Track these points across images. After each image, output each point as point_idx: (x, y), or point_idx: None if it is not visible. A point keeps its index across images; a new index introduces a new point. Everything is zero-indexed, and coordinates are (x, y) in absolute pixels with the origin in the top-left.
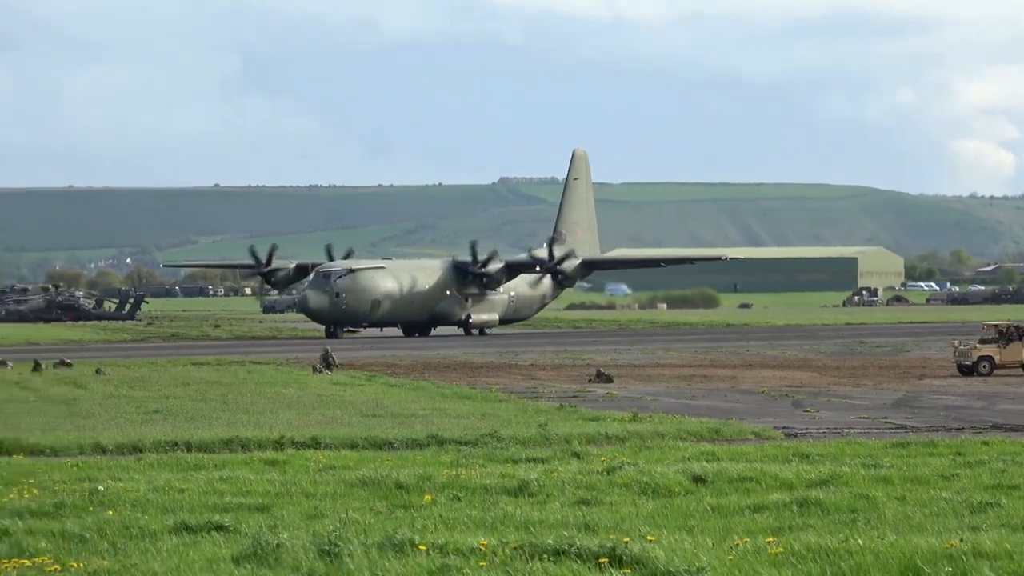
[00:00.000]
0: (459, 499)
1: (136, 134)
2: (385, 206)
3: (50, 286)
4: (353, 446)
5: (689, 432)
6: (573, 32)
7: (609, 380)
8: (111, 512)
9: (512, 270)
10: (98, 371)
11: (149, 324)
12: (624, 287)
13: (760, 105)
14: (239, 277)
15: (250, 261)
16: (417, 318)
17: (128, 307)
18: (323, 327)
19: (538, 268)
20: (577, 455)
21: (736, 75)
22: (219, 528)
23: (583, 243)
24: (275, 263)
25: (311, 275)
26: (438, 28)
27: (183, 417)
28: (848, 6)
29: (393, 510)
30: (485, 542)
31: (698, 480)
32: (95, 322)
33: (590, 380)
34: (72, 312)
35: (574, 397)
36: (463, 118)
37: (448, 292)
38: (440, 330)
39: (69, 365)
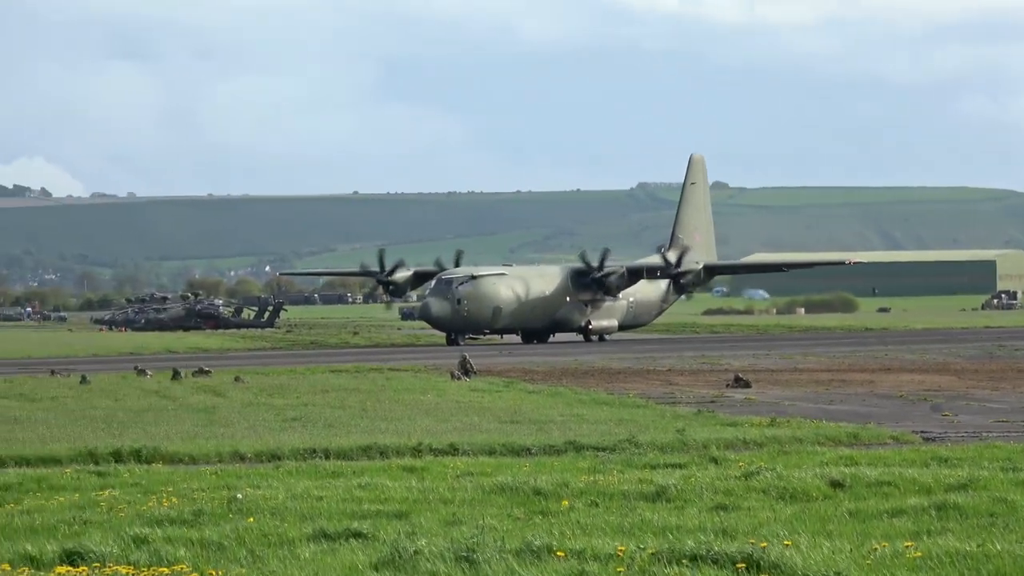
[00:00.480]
0: (597, 505)
1: (275, 142)
2: (523, 212)
3: (190, 294)
4: (491, 452)
5: (827, 437)
6: (712, 36)
7: (747, 385)
8: (250, 520)
9: (632, 276)
10: (237, 379)
11: (288, 332)
12: (762, 292)
13: (900, 108)
14: (358, 285)
15: (373, 268)
16: (537, 325)
17: (267, 315)
18: (444, 334)
19: (659, 273)
20: (715, 460)
21: (876, 78)
22: (357, 535)
23: (701, 248)
24: (393, 269)
25: (432, 282)
26: (576, 33)
27: (322, 424)
28: (990, 7)
29: (531, 516)
30: (623, 548)
31: (836, 485)
32: (234, 330)
33: (728, 385)
34: (211, 320)
35: (712, 402)
36: (601, 123)
37: (568, 298)
38: (558, 337)
39: (208, 373)
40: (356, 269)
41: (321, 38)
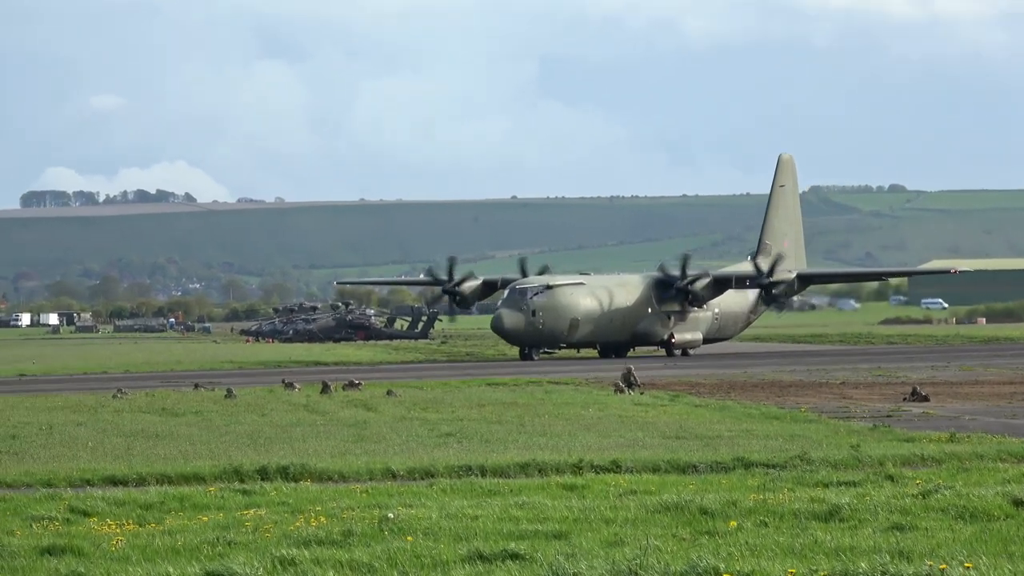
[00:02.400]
0: (766, 525)
1: (429, 145)
2: (690, 217)
3: (340, 304)
4: (655, 470)
5: (1010, 453)
6: (884, 33)
7: (925, 399)
8: (403, 540)
9: (720, 285)
10: (389, 392)
11: (443, 343)
12: (940, 300)
13: None
14: (424, 297)
15: (442, 276)
16: (616, 338)
17: (421, 325)
18: (517, 348)
19: (748, 283)
20: (891, 478)
21: None
22: (514, 557)
23: (790, 255)
24: (464, 283)
25: (505, 292)
26: (743, 30)
27: (477, 440)
28: None
29: (697, 536)
30: (794, 570)
31: (1019, 504)
32: (386, 341)
33: (905, 399)
34: (363, 331)
35: (888, 416)
36: (771, 123)
37: (649, 310)
38: (638, 351)
39: (359, 386)
40: (420, 278)
41: (476, 36)
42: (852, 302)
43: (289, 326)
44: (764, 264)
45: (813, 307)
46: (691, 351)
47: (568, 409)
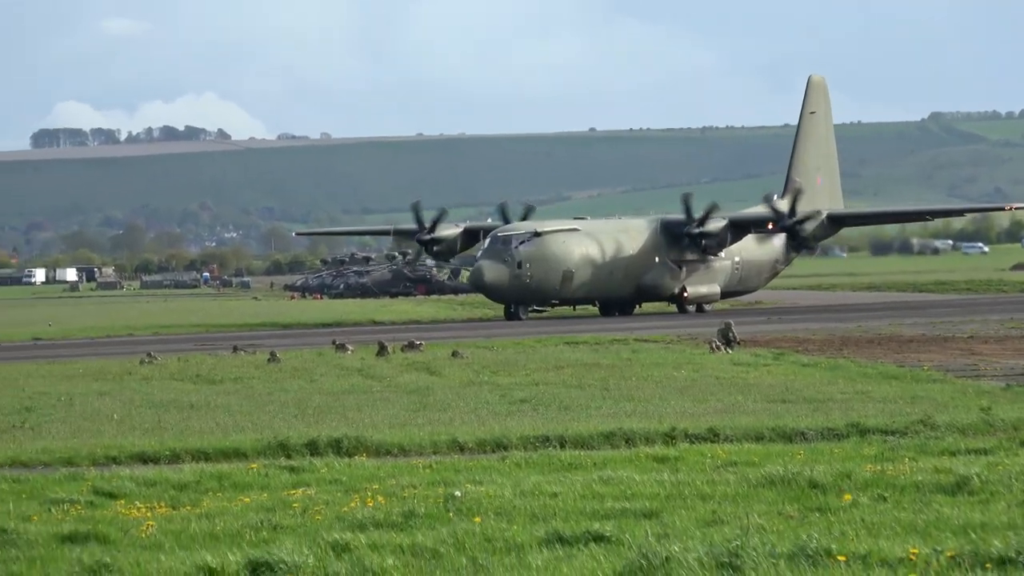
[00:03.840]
0: (885, 499)
1: (493, 71)
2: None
3: (397, 254)
4: (758, 438)
5: None
6: None
7: None
8: (472, 521)
9: (738, 229)
10: (454, 354)
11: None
12: None
13: None
14: (396, 245)
15: (411, 226)
16: (618, 292)
17: None
18: (501, 306)
19: (771, 225)
20: None
21: None
22: (598, 538)
23: (822, 193)
24: (438, 228)
25: (486, 241)
26: None
27: (555, 407)
28: None
29: (806, 514)
30: (916, 550)
31: None
32: (450, 296)
33: None
34: (423, 284)
35: (1023, 375)
36: (882, 44)
37: (657, 259)
38: (646, 307)
39: (420, 347)
40: (389, 227)
41: None
42: (980, 245)
43: (339, 279)
44: (785, 204)
45: (936, 251)
46: (707, 306)
47: (658, 370)
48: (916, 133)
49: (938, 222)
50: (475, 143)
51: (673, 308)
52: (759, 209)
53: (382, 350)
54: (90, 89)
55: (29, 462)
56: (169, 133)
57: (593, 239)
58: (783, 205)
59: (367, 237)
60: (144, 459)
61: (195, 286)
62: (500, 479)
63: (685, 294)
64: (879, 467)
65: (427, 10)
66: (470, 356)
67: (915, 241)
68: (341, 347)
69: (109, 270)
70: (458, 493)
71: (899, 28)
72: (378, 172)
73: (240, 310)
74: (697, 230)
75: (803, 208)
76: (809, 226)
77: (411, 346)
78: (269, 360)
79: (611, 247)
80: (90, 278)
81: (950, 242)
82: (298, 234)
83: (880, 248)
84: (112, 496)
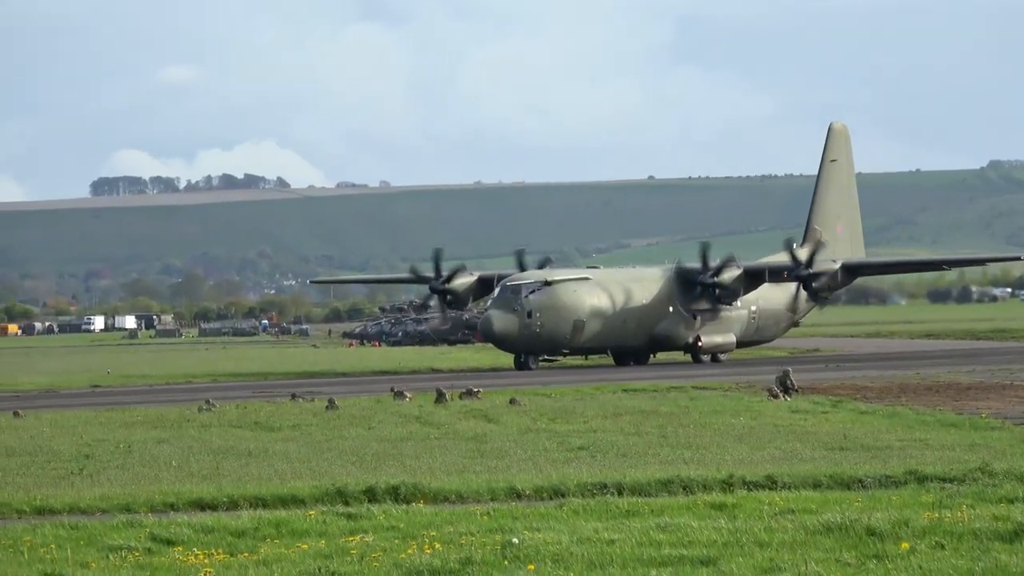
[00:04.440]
0: (943, 547)
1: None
2: None
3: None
4: (816, 485)
5: None
6: None
7: None
8: (529, 568)
9: (752, 278)
10: (512, 401)
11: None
12: None
13: None
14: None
15: (427, 273)
16: (631, 342)
17: None
18: (512, 356)
19: (785, 275)
20: None
21: None
22: None
23: (843, 242)
24: (455, 279)
25: (496, 290)
26: None
27: (613, 454)
28: None
29: (863, 561)
30: None
31: None
32: None
33: None
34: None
35: None
36: (942, 91)
37: (671, 308)
38: (661, 356)
39: (478, 395)
40: (403, 276)
41: None
42: None
43: (398, 327)
44: (803, 253)
45: (995, 299)
46: (723, 356)
47: (716, 418)
48: (975, 181)
49: (996, 269)
50: (533, 191)
51: (688, 358)
52: (778, 258)
53: (440, 397)
54: (148, 137)
55: (87, 509)
56: (228, 181)
57: (605, 288)
58: (802, 254)
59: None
60: (202, 506)
61: (254, 334)
62: (557, 526)
63: (699, 343)
64: (937, 514)
65: (485, 59)
66: (528, 403)
67: (974, 289)
68: (399, 394)
69: (168, 318)
70: (516, 540)
71: (958, 76)
72: (436, 220)
73: (299, 358)
74: (711, 279)
75: (821, 257)
76: (823, 275)
77: (469, 393)
78: (327, 407)
79: (623, 296)
80: (149, 326)
81: (1009, 290)
82: (312, 282)
83: (938, 296)
84: (170, 543)
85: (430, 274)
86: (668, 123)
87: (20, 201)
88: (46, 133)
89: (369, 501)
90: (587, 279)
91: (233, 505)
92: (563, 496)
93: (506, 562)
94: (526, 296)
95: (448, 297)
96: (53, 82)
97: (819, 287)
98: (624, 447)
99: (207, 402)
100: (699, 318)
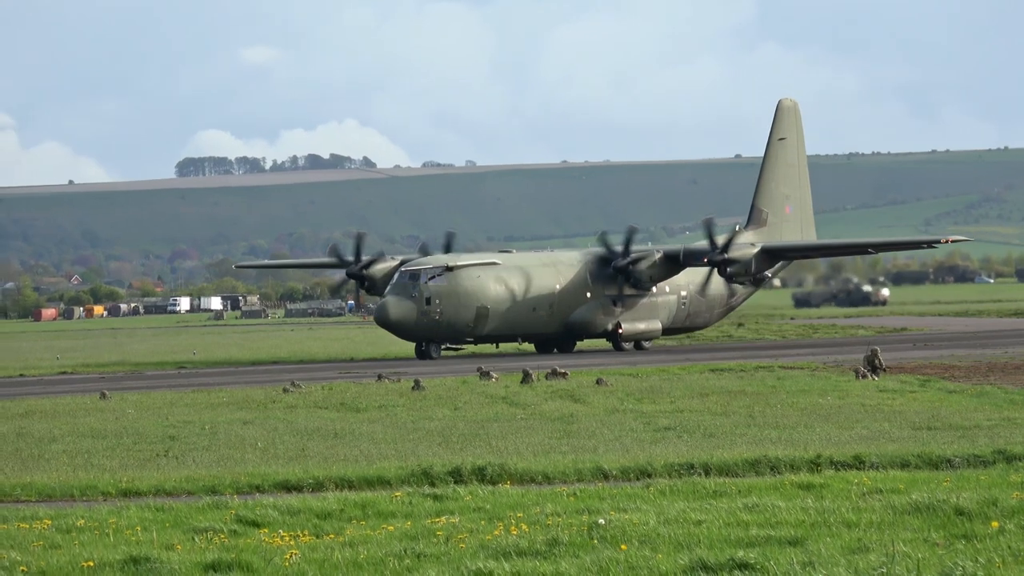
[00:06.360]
0: None
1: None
2: (940, 176)
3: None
4: (904, 465)
5: None
6: None
7: None
8: (622, 548)
9: (673, 263)
10: (599, 381)
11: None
12: None
13: None
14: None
15: (331, 259)
16: (543, 330)
17: None
18: (413, 344)
19: (705, 260)
20: None
21: None
22: (743, 566)
23: (792, 223)
24: (371, 261)
25: (395, 276)
26: None
27: (700, 434)
28: None
29: (952, 541)
30: None
31: None
32: None
33: None
34: None
35: None
36: None
37: (589, 294)
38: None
39: (564, 375)
40: (319, 260)
41: None
42: None
43: None
44: (722, 238)
45: None
46: (647, 343)
47: (803, 398)
48: None
49: None
50: (619, 170)
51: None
52: (701, 242)
53: (526, 377)
54: (231, 117)
55: (173, 491)
56: (314, 162)
57: (513, 273)
58: (720, 239)
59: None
60: (288, 487)
61: (340, 314)
62: (644, 507)
63: (620, 331)
64: None
65: (570, 37)
66: (614, 384)
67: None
68: (486, 375)
69: (254, 298)
70: (602, 521)
71: None
72: (522, 199)
73: (384, 338)
74: (625, 264)
75: (740, 241)
76: (740, 260)
77: (556, 373)
78: (413, 388)
79: (534, 282)
80: (235, 306)
81: None
82: (238, 267)
83: None
84: (256, 524)
85: (350, 257)
86: (754, 101)
87: (105, 182)
88: (130, 114)
89: (455, 482)
90: (494, 263)
91: (319, 487)
92: (650, 477)
93: (593, 543)
94: (425, 282)
95: (366, 283)
96: (136, 63)
97: (734, 272)
98: (711, 427)
99: (293, 383)
100: (620, 304)
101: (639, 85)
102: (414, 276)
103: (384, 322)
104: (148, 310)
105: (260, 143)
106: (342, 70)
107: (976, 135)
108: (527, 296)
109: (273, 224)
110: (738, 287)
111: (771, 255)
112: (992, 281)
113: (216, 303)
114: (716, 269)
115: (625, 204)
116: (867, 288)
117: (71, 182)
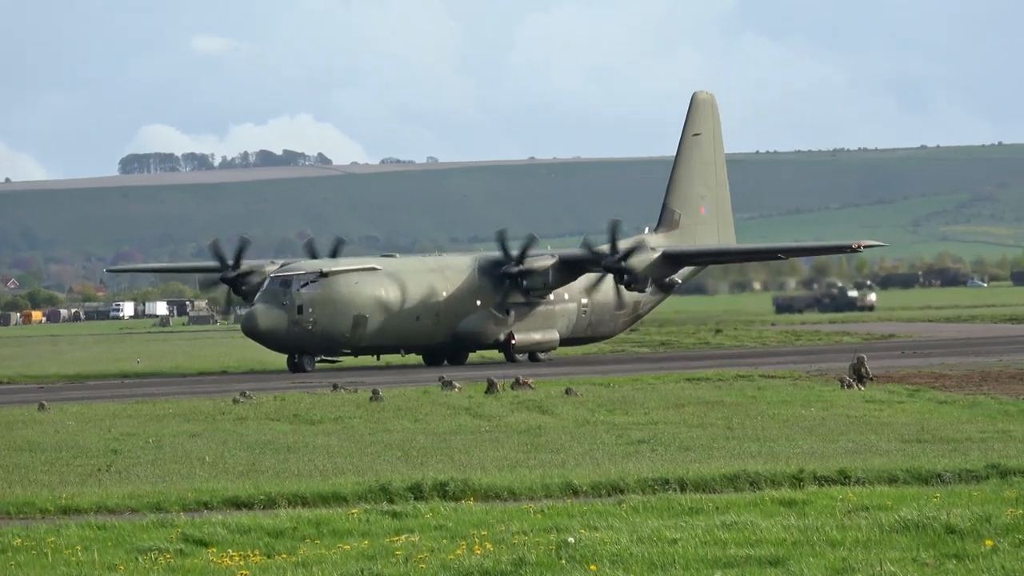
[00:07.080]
0: None
1: (606, 91)
2: (929, 173)
3: (206, 303)
4: (891, 480)
5: None
6: None
7: None
8: (592, 568)
9: (571, 268)
10: (568, 391)
11: (632, 331)
12: None
13: None
14: (200, 286)
15: (212, 263)
16: (428, 340)
17: None
18: (285, 356)
19: (603, 265)
20: None
21: None
22: None
23: (708, 225)
24: (247, 265)
25: (265, 283)
26: None
27: (675, 447)
28: None
29: (942, 561)
30: None
31: None
32: None
33: None
34: None
35: None
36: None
37: (479, 302)
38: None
39: (530, 386)
40: (195, 264)
41: None
42: None
43: None
44: (625, 243)
45: None
46: (542, 355)
47: (785, 408)
48: None
49: None
50: (591, 167)
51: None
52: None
53: (491, 387)
54: (177, 112)
55: (116, 508)
56: (266, 158)
57: (395, 280)
58: (623, 244)
59: None
60: (238, 504)
61: (207, 322)
62: (616, 524)
63: (513, 341)
64: (1021, 511)
65: (536, 31)
66: (584, 394)
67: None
68: (448, 384)
69: (202, 303)
70: (571, 539)
71: None
72: (488, 198)
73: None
74: (516, 269)
75: (680, 243)
76: (637, 265)
77: (520, 384)
78: (371, 398)
79: (418, 289)
80: (181, 312)
81: None
82: (109, 271)
83: (1022, 278)
84: (203, 544)
85: (231, 261)
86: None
87: (44, 180)
88: (71, 108)
89: (415, 499)
90: (374, 269)
91: (270, 503)
92: (622, 492)
93: (562, 563)
94: (297, 289)
95: (242, 288)
96: (77, 53)
97: (632, 279)
98: (687, 440)
99: (243, 393)
100: (512, 313)
101: (610, 79)
102: (285, 283)
103: (252, 332)
104: (90, 316)
105: (209, 138)
106: (295, 61)
107: (968, 130)
108: (410, 304)
109: (224, 224)
110: (643, 294)
111: (675, 260)
112: (985, 284)
113: (162, 308)
114: (613, 275)
115: (597, 203)
116: (853, 292)
117: (8, 180)
